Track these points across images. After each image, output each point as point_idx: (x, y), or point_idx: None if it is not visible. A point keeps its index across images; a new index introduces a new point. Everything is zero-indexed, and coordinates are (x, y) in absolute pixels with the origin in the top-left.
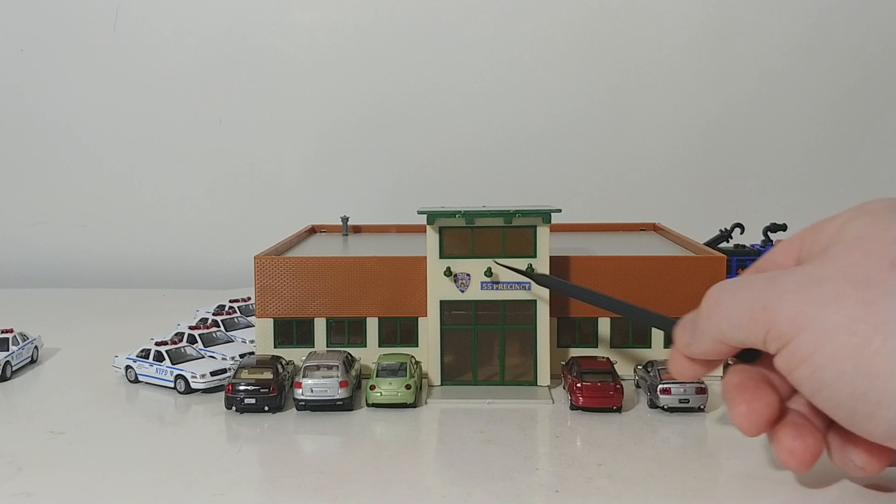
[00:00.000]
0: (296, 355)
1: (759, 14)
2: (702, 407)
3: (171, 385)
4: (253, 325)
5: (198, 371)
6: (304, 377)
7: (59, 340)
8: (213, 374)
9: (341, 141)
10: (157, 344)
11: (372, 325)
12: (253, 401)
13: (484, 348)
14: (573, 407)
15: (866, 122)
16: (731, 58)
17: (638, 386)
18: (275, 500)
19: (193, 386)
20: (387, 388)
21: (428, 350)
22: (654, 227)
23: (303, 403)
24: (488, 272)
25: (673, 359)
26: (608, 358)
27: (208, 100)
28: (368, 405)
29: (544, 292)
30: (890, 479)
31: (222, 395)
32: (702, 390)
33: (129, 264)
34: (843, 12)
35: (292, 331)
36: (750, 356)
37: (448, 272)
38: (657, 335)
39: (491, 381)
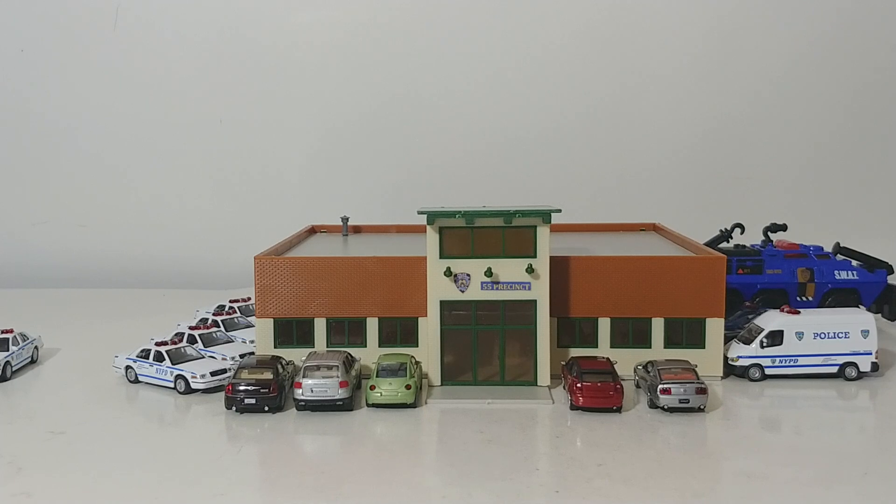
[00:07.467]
0: (296, 355)
1: (759, 20)
2: (702, 407)
3: (171, 385)
4: (253, 325)
5: (198, 371)
6: (304, 377)
7: (59, 340)
8: (213, 374)
9: (342, 141)
10: (158, 344)
11: (372, 326)
12: (253, 401)
13: (484, 348)
14: (573, 407)
15: (866, 123)
16: (732, 61)
17: (638, 386)
18: (275, 500)
19: (193, 386)
20: (387, 389)
21: (428, 350)
22: (654, 227)
23: (303, 403)
24: (488, 272)
25: None
26: (608, 358)
27: (209, 100)
28: (368, 405)
29: (544, 292)
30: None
31: (222, 395)
32: (702, 390)
33: (130, 264)
34: (843, 18)
35: (292, 331)
36: None
37: (448, 272)
38: (657, 335)
39: (491, 382)
